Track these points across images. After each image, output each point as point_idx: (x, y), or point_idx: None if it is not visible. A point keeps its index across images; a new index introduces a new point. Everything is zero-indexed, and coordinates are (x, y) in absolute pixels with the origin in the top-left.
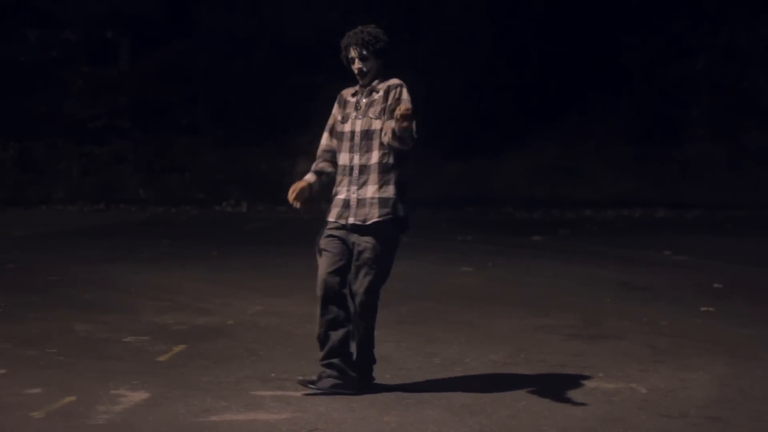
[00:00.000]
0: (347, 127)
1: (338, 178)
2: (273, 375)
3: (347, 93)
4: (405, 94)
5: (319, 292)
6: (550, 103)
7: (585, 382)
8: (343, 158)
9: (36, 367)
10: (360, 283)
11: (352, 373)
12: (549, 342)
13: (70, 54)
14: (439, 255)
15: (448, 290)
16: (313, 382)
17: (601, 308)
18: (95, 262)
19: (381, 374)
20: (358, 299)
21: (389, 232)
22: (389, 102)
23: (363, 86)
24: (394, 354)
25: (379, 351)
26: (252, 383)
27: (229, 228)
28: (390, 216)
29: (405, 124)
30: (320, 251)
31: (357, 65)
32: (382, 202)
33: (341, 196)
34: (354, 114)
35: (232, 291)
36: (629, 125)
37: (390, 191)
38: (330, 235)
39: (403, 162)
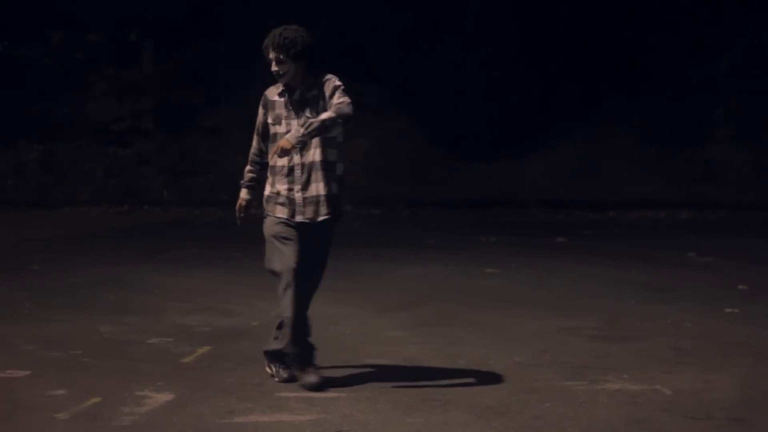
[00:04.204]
0: (282, 128)
1: (275, 177)
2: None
3: (272, 93)
4: (336, 81)
5: (290, 280)
6: (573, 104)
7: (609, 384)
8: (280, 159)
9: (60, 369)
10: (307, 275)
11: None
12: (573, 343)
13: (94, 56)
14: (462, 256)
15: (471, 291)
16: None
17: (625, 310)
18: (119, 264)
19: (405, 375)
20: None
21: (333, 227)
22: (328, 95)
23: (288, 86)
24: (418, 355)
25: (403, 352)
26: (276, 385)
27: (253, 229)
28: (335, 214)
29: (282, 155)
30: (281, 239)
31: (273, 68)
32: (329, 199)
33: (285, 195)
34: (286, 114)
35: (255, 292)
36: (653, 126)
37: (333, 188)
38: (287, 224)
39: (342, 152)
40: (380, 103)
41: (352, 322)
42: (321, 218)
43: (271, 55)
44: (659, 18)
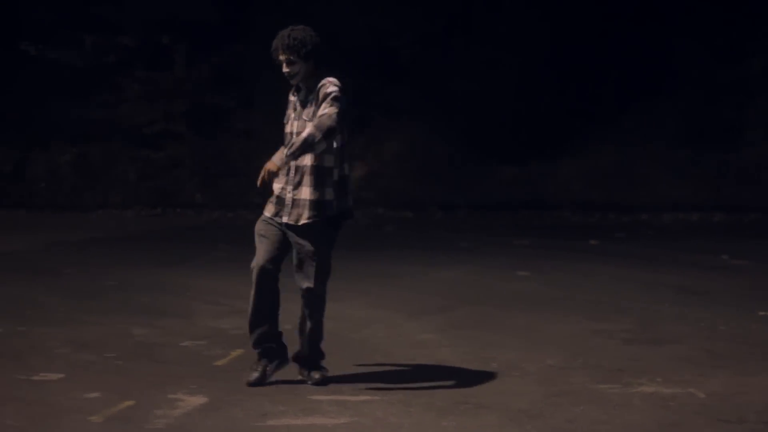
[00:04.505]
0: (288, 128)
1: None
2: (330, 379)
3: (291, 92)
4: (329, 88)
5: (255, 276)
6: (605, 106)
7: (643, 387)
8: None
9: (94, 372)
10: (304, 276)
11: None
12: (606, 346)
13: (127, 59)
14: (494, 259)
15: (504, 295)
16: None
17: (658, 312)
18: (152, 267)
19: (438, 379)
20: (304, 291)
21: (319, 231)
22: (319, 101)
23: (298, 87)
24: (451, 358)
25: (435, 355)
26: (309, 388)
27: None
28: (318, 219)
29: (269, 178)
30: (259, 236)
31: (284, 69)
32: (313, 204)
33: (277, 194)
34: (293, 115)
35: (287, 296)
36: (685, 128)
37: (324, 193)
38: (269, 223)
39: (342, 158)
40: (412, 106)
41: (385, 325)
42: (302, 222)
43: (282, 57)
44: (691, 20)
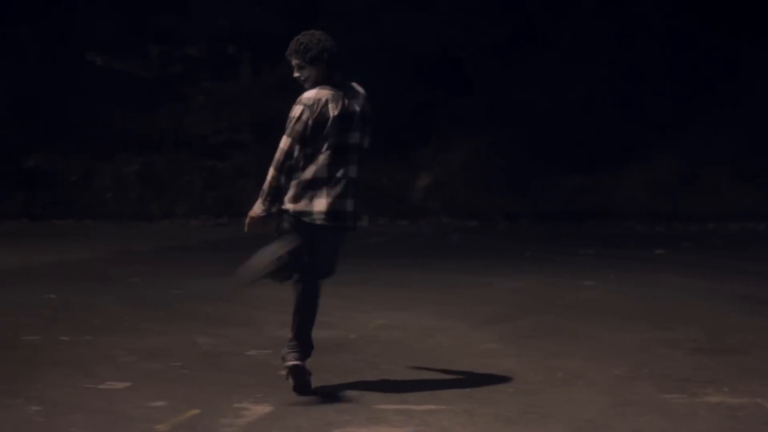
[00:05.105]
0: None
1: None
2: (395, 388)
3: None
4: (292, 110)
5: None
6: (672, 115)
7: (709, 397)
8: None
9: (160, 380)
10: None
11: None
12: (672, 356)
13: (192, 69)
14: (560, 268)
15: (569, 304)
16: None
17: (725, 322)
18: (218, 276)
19: (503, 388)
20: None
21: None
22: None
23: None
24: (516, 368)
25: (501, 365)
26: (374, 397)
27: (350, 242)
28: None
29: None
30: None
31: (295, 74)
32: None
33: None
34: None
35: (353, 304)
36: (752, 137)
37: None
38: None
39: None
40: (477, 115)
41: (450, 334)
42: None
43: (293, 62)
44: (759, 28)
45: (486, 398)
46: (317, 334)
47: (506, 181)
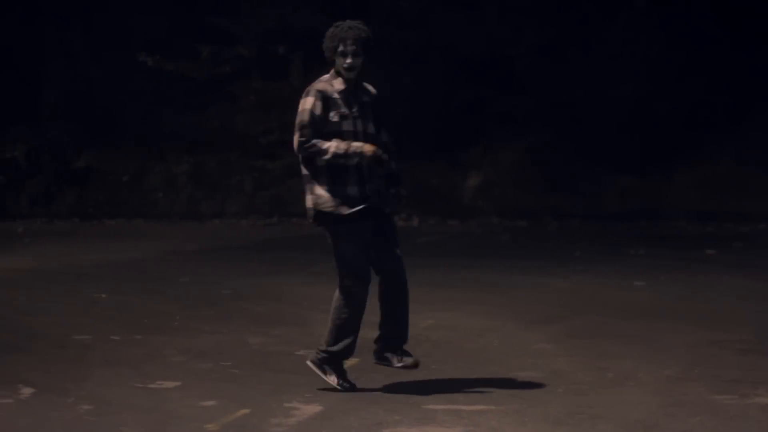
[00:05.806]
0: (348, 126)
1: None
2: (445, 389)
3: (331, 90)
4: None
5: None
6: (722, 115)
7: (760, 399)
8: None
9: (210, 380)
10: None
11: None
12: (723, 357)
13: (243, 69)
14: (610, 269)
15: (620, 304)
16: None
17: None
18: (268, 276)
19: (553, 388)
20: None
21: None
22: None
23: (348, 82)
24: (566, 368)
25: (551, 365)
26: (424, 397)
27: (401, 241)
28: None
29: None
30: None
31: (349, 60)
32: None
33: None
34: (348, 113)
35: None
36: None
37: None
38: None
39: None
40: (527, 114)
41: (500, 335)
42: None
43: (350, 48)
44: None
45: (535, 399)
46: (366, 334)
47: (556, 180)
